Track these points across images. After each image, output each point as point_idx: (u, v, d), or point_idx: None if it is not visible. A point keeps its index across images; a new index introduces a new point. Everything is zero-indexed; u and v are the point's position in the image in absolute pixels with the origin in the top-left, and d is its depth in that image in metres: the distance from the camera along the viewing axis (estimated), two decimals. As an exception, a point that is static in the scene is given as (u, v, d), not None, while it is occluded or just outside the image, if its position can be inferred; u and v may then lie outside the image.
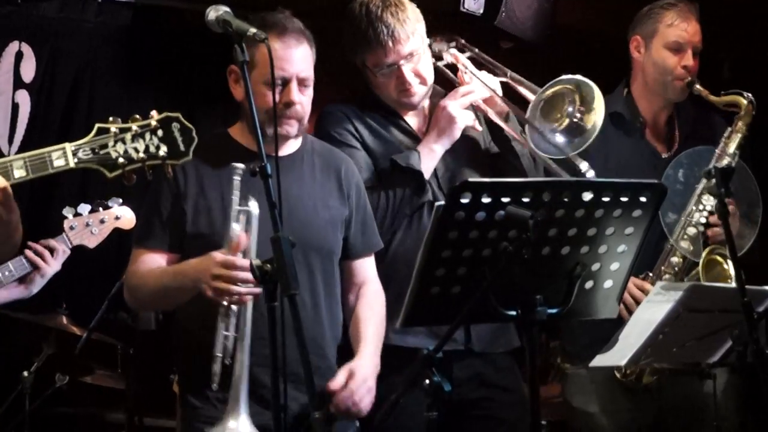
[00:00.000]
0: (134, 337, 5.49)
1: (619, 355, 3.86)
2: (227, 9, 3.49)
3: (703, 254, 4.50)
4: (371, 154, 4.30)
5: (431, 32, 4.36)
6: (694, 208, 4.59)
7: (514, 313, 3.27)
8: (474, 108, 4.32)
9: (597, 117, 4.21)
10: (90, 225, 5.18)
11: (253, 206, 3.64)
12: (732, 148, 4.60)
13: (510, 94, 4.34)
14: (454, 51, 4.43)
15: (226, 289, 3.54)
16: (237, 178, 3.61)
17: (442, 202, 3.12)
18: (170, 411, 4.77)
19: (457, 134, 4.28)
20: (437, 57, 4.43)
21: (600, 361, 3.94)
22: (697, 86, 4.69)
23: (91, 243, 5.20)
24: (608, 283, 3.42)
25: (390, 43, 4.19)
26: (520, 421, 4.17)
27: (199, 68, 6.30)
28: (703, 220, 4.56)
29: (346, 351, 3.95)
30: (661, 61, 4.73)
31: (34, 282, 5.11)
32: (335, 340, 3.97)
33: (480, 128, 4.37)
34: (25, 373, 5.50)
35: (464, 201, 3.09)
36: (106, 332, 5.56)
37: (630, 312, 4.20)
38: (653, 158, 4.75)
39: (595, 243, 3.30)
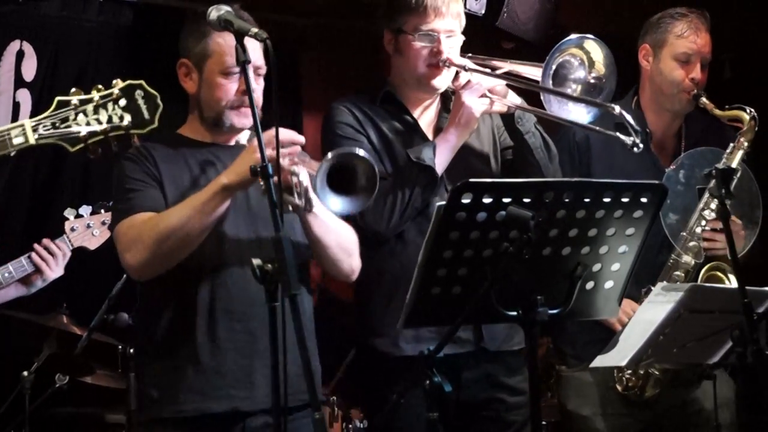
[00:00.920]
0: (135, 336, 5.48)
1: (620, 355, 3.85)
2: (229, 8, 3.49)
3: (702, 271, 4.51)
4: (375, 149, 4.30)
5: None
6: (695, 222, 4.57)
7: (515, 313, 3.27)
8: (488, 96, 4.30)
9: (609, 70, 4.23)
10: (91, 227, 5.20)
11: None
12: (734, 163, 4.57)
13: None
14: None
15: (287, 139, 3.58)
16: None
17: (443, 203, 3.12)
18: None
19: (475, 124, 4.28)
20: None
21: (601, 361, 3.94)
22: (703, 99, 4.66)
23: (92, 245, 5.21)
24: (609, 284, 3.42)
25: (442, 9, 4.23)
26: (527, 424, 4.18)
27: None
28: (704, 234, 4.55)
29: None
30: (669, 72, 4.70)
31: (34, 284, 5.12)
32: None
33: (500, 109, 4.34)
34: (26, 373, 5.48)
35: (465, 201, 3.09)
36: (107, 332, 5.55)
37: (623, 325, 4.19)
38: (656, 171, 4.69)
39: (596, 244, 3.30)
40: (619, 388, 4.58)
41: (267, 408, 3.65)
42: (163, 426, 3.79)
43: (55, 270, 5.09)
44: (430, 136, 4.36)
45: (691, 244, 4.56)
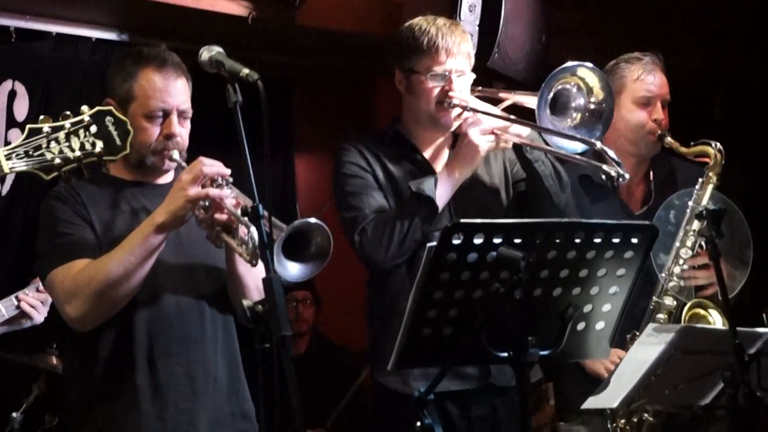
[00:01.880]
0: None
1: (611, 396, 3.85)
2: (220, 50, 3.49)
3: (685, 310, 4.50)
4: (382, 187, 4.32)
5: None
6: (673, 263, 4.58)
7: (505, 354, 3.26)
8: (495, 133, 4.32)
9: (606, 92, 4.26)
10: None
11: None
12: (705, 198, 4.58)
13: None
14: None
15: (210, 171, 3.57)
16: None
17: (434, 243, 3.11)
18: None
19: (479, 161, 4.30)
20: None
21: (592, 402, 3.93)
22: (668, 139, 4.67)
23: None
24: (600, 325, 3.41)
25: (453, 49, 4.26)
26: None
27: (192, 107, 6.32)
28: (684, 273, 4.55)
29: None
30: (631, 116, 4.71)
31: (21, 324, 5.10)
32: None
33: (505, 145, 4.36)
34: (15, 414, 5.47)
35: (456, 242, 3.09)
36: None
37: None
38: (626, 216, 4.70)
39: (586, 284, 3.30)
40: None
41: None
42: None
43: (42, 314, 5.08)
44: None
45: (671, 284, 4.55)
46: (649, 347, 3.78)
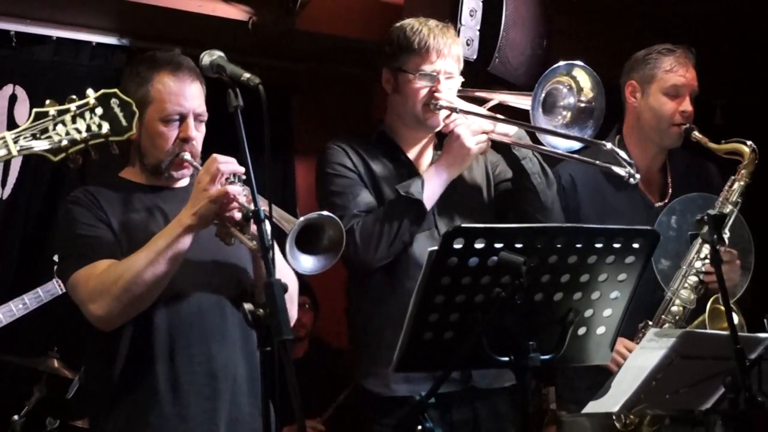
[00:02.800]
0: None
1: (612, 401, 3.85)
2: (221, 54, 3.49)
3: (709, 303, 4.48)
4: (367, 187, 4.31)
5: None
6: (695, 256, 4.57)
7: (506, 359, 3.26)
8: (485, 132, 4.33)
9: (597, 91, 4.29)
10: None
11: None
12: (735, 196, 4.60)
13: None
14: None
15: (226, 169, 3.58)
16: None
17: (435, 248, 3.11)
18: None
19: (469, 161, 4.31)
20: None
21: (593, 407, 3.93)
22: (696, 133, 4.67)
23: None
24: (601, 330, 3.42)
25: (444, 50, 4.28)
26: None
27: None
28: (704, 268, 4.54)
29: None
30: (659, 106, 4.71)
31: None
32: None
33: (489, 150, 4.39)
34: (16, 417, 5.47)
35: (457, 246, 3.09)
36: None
37: (618, 367, 4.18)
38: (646, 208, 4.73)
39: (587, 289, 3.30)
40: (618, 425, 4.55)
41: None
42: None
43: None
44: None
45: (691, 278, 4.55)
46: (650, 352, 3.77)
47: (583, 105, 4.30)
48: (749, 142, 4.63)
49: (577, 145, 4.27)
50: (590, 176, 4.69)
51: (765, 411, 3.61)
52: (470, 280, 3.15)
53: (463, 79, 4.40)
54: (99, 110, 3.21)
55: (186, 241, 3.62)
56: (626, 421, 4.54)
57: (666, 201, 4.76)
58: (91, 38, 6.47)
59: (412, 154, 4.44)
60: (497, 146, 4.40)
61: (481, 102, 4.46)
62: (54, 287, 5.37)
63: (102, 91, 3.24)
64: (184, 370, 3.73)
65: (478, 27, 5.15)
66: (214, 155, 3.67)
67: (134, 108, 3.25)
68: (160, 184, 3.90)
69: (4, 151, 3.12)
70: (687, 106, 4.70)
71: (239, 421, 3.78)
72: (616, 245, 3.25)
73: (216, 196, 3.55)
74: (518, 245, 3.12)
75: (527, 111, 4.22)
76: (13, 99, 6.15)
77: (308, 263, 3.54)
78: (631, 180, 4.08)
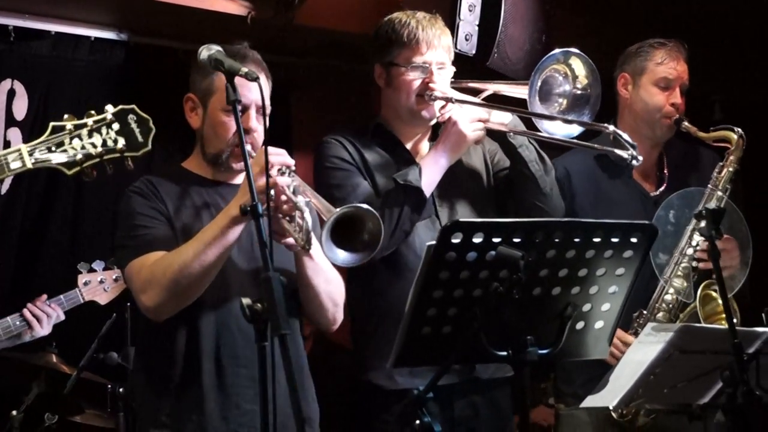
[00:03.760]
0: (124, 376, 5.46)
1: (609, 396, 3.84)
2: (219, 48, 3.50)
3: (700, 289, 4.49)
4: (366, 179, 4.32)
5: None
6: (686, 244, 4.59)
7: (505, 353, 3.26)
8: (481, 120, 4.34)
9: (593, 78, 4.32)
10: (103, 282, 5.40)
11: None
12: (723, 182, 4.62)
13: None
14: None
15: (276, 161, 3.59)
16: None
17: (434, 242, 3.11)
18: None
19: (464, 149, 4.33)
20: None
21: (591, 402, 3.93)
22: (686, 123, 4.72)
23: (103, 300, 5.40)
24: (599, 324, 3.42)
25: (434, 42, 4.30)
26: None
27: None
28: (696, 255, 4.55)
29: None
30: (650, 98, 4.75)
31: (22, 338, 5.21)
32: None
33: (482, 142, 4.42)
34: (14, 413, 5.45)
35: (455, 241, 3.09)
36: (96, 371, 5.53)
37: (616, 359, 4.18)
38: (642, 198, 4.77)
39: (586, 284, 3.30)
40: (614, 416, 4.55)
41: None
42: None
43: (45, 328, 5.20)
44: None
45: (683, 266, 4.56)
46: (647, 347, 3.77)
47: (579, 92, 4.32)
48: (737, 129, 4.67)
49: (575, 131, 4.28)
50: (585, 167, 4.72)
51: (762, 405, 3.61)
52: (468, 274, 3.15)
53: (455, 69, 4.41)
54: (116, 125, 3.25)
55: (234, 233, 3.65)
56: (623, 412, 4.54)
57: (661, 190, 4.79)
58: (90, 33, 6.46)
59: (408, 146, 4.45)
60: (493, 135, 4.41)
61: (475, 93, 4.47)
62: (77, 296, 5.43)
63: (120, 106, 3.28)
64: (229, 373, 3.78)
65: (477, 22, 5.16)
66: (265, 146, 3.69)
67: (151, 124, 3.29)
68: (220, 177, 3.93)
69: (18, 164, 3.16)
70: (676, 97, 4.75)
71: (282, 426, 3.76)
72: (615, 240, 3.25)
73: (264, 186, 3.52)
74: (516, 240, 3.12)
75: (522, 100, 4.24)
76: (11, 94, 6.15)
77: (342, 256, 3.56)
78: (634, 162, 4.11)
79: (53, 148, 3.17)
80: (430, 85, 4.29)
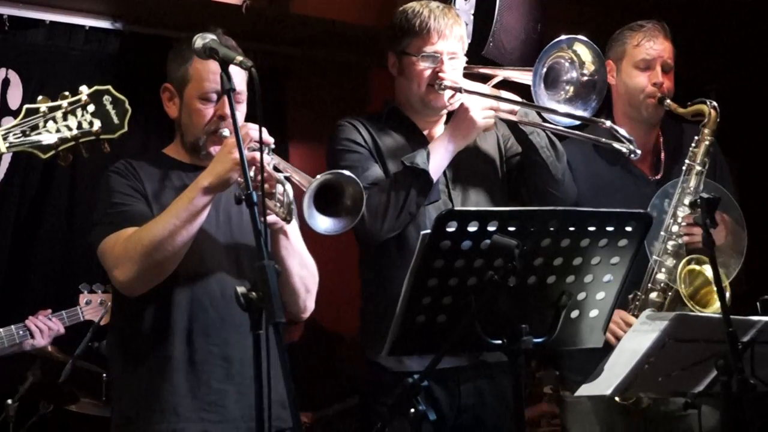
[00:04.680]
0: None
1: (605, 384, 3.84)
2: (214, 36, 3.49)
3: (679, 268, 4.48)
4: (378, 161, 4.36)
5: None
6: (671, 221, 4.59)
7: (500, 342, 3.26)
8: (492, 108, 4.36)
9: (599, 64, 4.34)
10: (103, 303, 5.49)
11: None
12: (700, 156, 4.62)
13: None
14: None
15: (255, 136, 3.60)
16: None
17: (428, 231, 3.11)
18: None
19: (474, 136, 4.35)
20: None
21: (585, 390, 3.93)
22: (668, 101, 4.70)
23: (103, 320, 5.43)
24: (594, 313, 3.42)
25: (446, 31, 4.33)
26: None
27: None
28: (681, 231, 4.56)
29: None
30: (631, 80, 4.76)
31: (23, 348, 5.36)
32: None
33: (496, 127, 4.45)
34: (9, 401, 5.47)
35: (450, 230, 3.09)
36: (91, 360, 5.54)
37: (618, 339, 4.20)
38: (642, 182, 4.76)
39: (580, 272, 3.30)
40: (617, 399, 4.55)
41: None
42: None
43: (45, 339, 5.25)
44: None
45: (671, 243, 4.56)
46: (642, 335, 3.77)
47: (585, 79, 4.34)
48: (709, 101, 4.68)
49: (577, 120, 4.29)
50: (583, 155, 4.72)
51: (757, 394, 3.61)
52: (463, 263, 3.15)
53: (467, 59, 4.44)
54: (91, 107, 3.21)
55: (202, 202, 3.66)
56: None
57: (661, 175, 4.78)
58: (85, 22, 6.46)
59: (425, 132, 4.49)
60: (505, 121, 4.44)
61: (485, 79, 4.49)
62: (77, 314, 5.50)
63: (95, 87, 3.24)
64: (200, 350, 3.78)
65: (473, 11, 5.15)
66: (246, 122, 3.72)
67: (127, 105, 3.25)
68: (200, 162, 3.93)
69: None
70: (657, 77, 4.74)
71: (252, 407, 3.79)
72: (609, 228, 3.25)
73: (239, 159, 3.53)
74: (511, 228, 3.12)
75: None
76: (5, 83, 6.15)
77: (326, 224, 3.56)
78: (632, 156, 4.16)
79: (28, 132, 3.13)
80: (440, 74, 4.32)
